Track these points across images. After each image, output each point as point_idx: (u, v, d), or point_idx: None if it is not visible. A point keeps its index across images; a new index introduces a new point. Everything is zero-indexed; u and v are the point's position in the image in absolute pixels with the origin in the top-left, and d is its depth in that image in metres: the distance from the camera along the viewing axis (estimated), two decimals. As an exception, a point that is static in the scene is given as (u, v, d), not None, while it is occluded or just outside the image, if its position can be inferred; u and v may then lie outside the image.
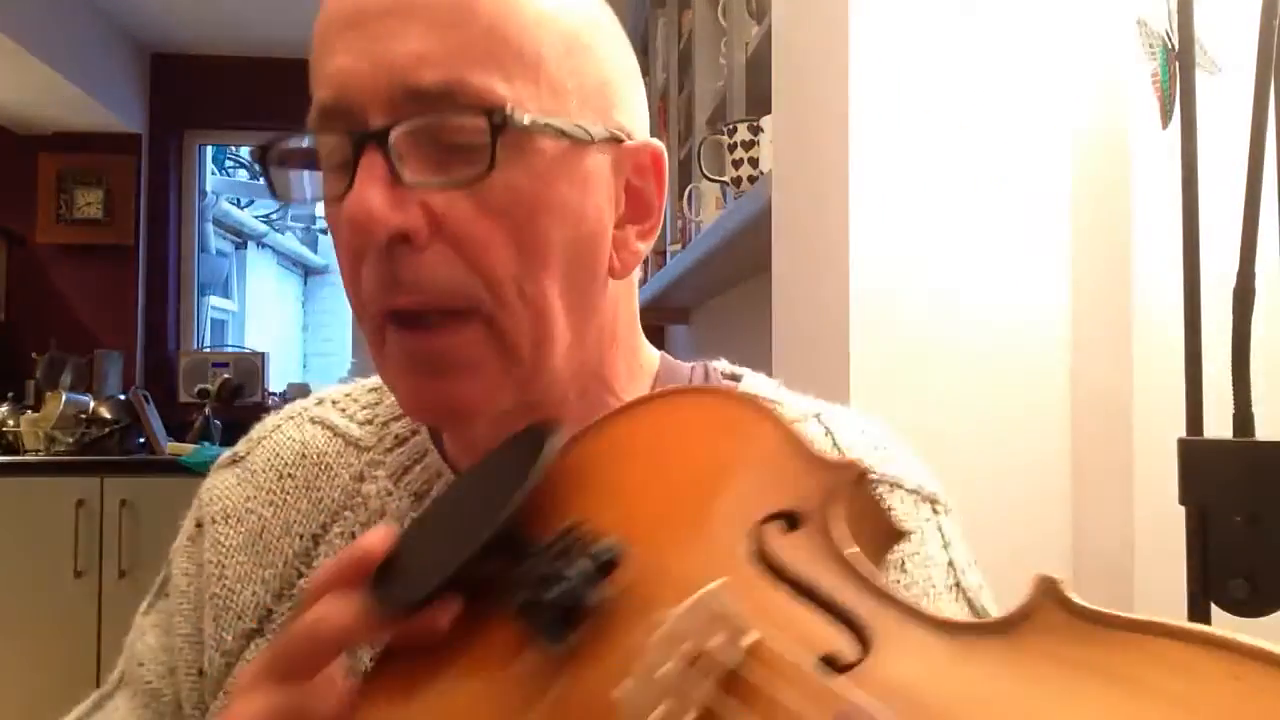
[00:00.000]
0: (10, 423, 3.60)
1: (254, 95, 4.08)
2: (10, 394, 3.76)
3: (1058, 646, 0.29)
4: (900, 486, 0.61)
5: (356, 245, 0.50)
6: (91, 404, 3.62)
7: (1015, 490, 1.20)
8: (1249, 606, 0.86)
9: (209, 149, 4.62)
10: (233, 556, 0.63)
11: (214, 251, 4.80)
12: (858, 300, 1.19)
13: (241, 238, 5.87)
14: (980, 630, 0.32)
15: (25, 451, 3.53)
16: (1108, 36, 1.16)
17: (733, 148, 1.90)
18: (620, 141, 0.55)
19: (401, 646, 0.44)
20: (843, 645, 0.32)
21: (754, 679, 0.32)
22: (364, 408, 0.67)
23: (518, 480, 0.42)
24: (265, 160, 0.53)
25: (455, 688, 0.41)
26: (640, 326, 0.65)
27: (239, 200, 5.78)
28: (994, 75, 1.21)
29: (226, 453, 0.69)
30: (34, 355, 3.84)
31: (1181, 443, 0.91)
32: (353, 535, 0.61)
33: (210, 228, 4.70)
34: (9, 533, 3.28)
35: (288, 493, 0.64)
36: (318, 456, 0.65)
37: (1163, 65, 0.95)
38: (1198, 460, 0.89)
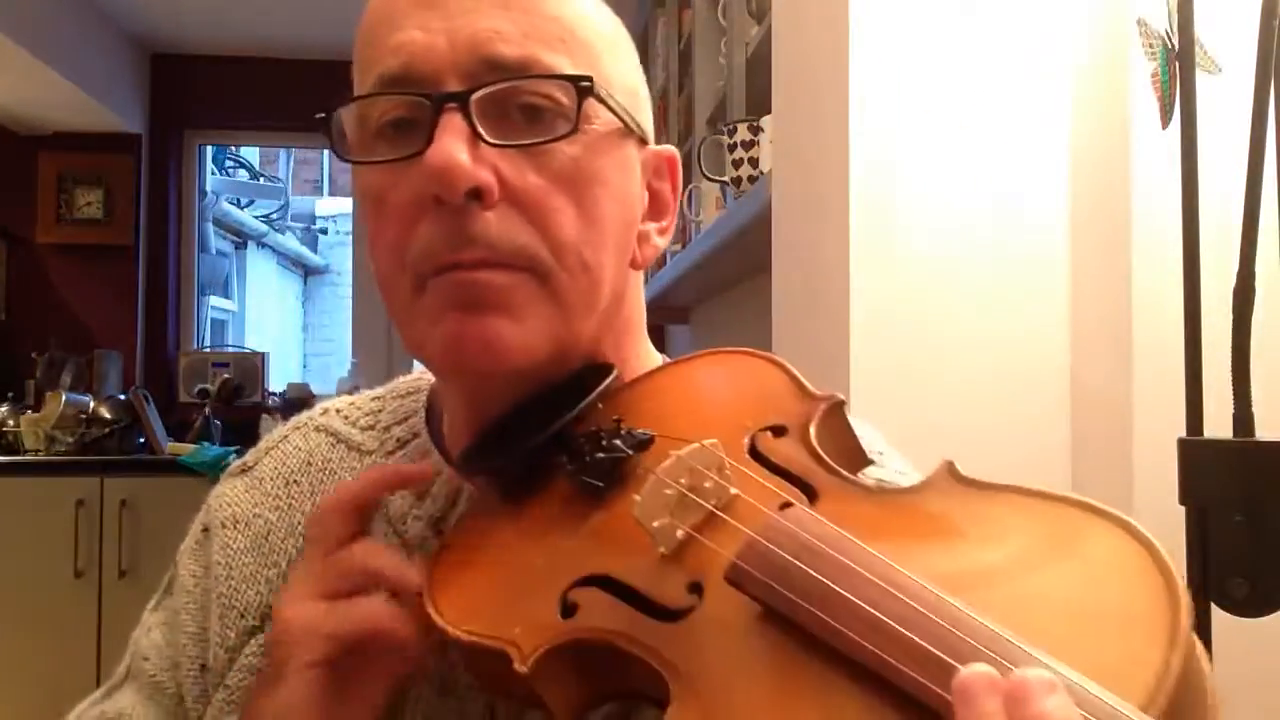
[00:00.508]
0: (10, 423, 3.60)
1: (254, 95, 4.08)
2: (10, 394, 3.76)
3: (940, 496, 0.43)
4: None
5: (428, 197, 0.52)
6: (91, 404, 3.62)
7: (1015, 490, 1.20)
8: (1249, 606, 0.86)
9: (209, 149, 4.61)
10: (239, 558, 0.65)
11: (214, 251, 4.80)
12: (858, 300, 1.19)
13: (241, 238, 5.87)
14: (897, 491, 0.46)
15: (25, 451, 3.53)
16: (1108, 36, 1.16)
17: (733, 148, 1.90)
18: (645, 143, 0.60)
19: (475, 514, 0.56)
20: (798, 498, 0.46)
21: (733, 509, 0.46)
22: (366, 414, 0.69)
23: (578, 397, 0.54)
24: (328, 123, 0.55)
25: (513, 534, 0.53)
26: (643, 326, 0.66)
27: (239, 200, 5.78)
28: (994, 75, 1.21)
29: (236, 462, 0.72)
30: (34, 355, 3.84)
31: (1181, 443, 0.91)
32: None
33: (210, 228, 4.70)
34: (9, 533, 3.28)
35: (293, 497, 0.66)
36: (322, 462, 0.67)
37: (1163, 65, 0.95)
38: (1198, 460, 0.89)
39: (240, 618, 0.64)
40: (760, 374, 0.55)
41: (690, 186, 2.62)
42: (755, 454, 0.49)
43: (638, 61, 0.62)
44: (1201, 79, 0.93)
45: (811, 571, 0.39)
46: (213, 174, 4.84)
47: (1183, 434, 0.91)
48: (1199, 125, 0.92)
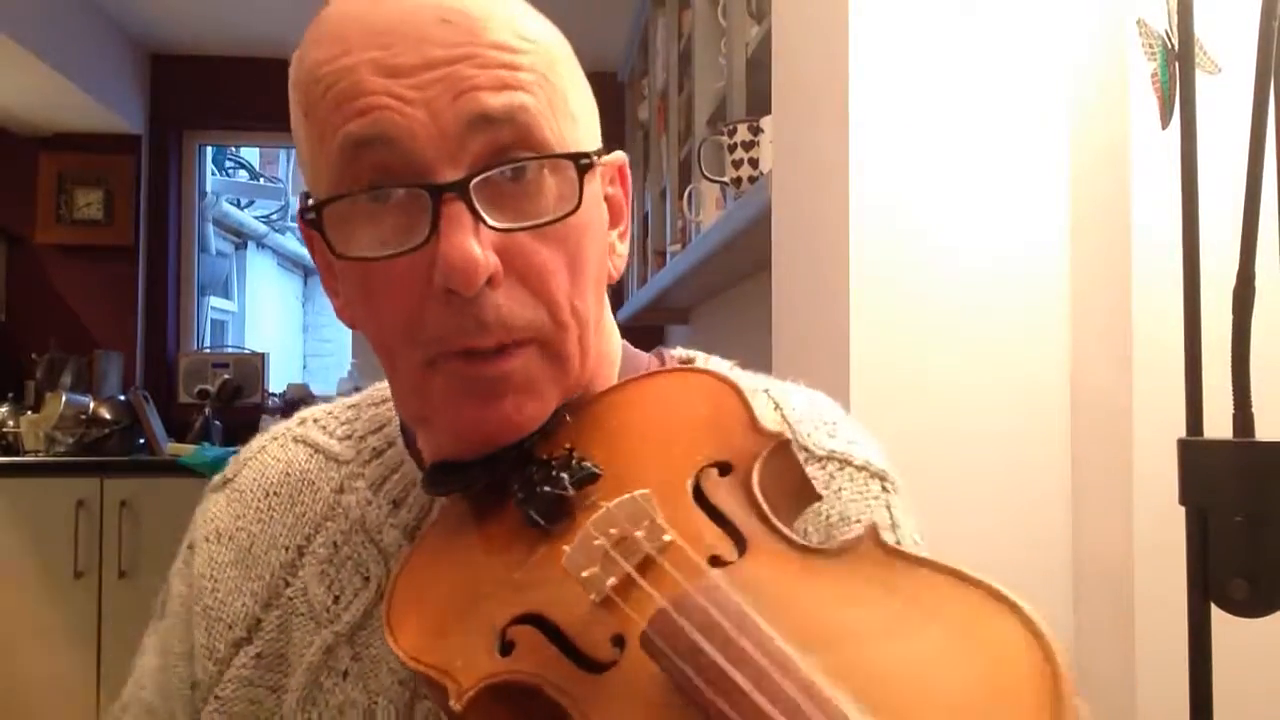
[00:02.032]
0: (10, 423, 3.60)
1: (254, 95, 4.08)
2: (10, 394, 3.75)
3: (864, 566, 0.43)
4: (849, 464, 0.63)
5: (439, 285, 0.51)
6: (91, 404, 3.61)
7: (1015, 490, 1.20)
8: (1249, 606, 0.86)
9: (209, 149, 4.61)
10: (224, 571, 0.66)
11: (214, 251, 4.80)
12: (858, 300, 1.19)
13: (241, 238, 5.87)
14: (822, 553, 0.45)
15: (25, 452, 3.53)
16: (1108, 36, 1.16)
17: (733, 148, 1.90)
18: (600, 153, 0.59)
19: (439, 527, 0.58)
20: (727, 551, 0.46)
21: (659, 562, 0.46)
22: (343, 424, 0.70)
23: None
24: (320, 222, 0.54)
25: (469, 554, 0.55)
26: (610, 315, 0.67)
27: (239, 200, 5.78)
28: (993, 75, 1.21)
29: (217, 477, 0.72)
30: (34, 355, 3.84)
31: (1181, 443, 0.91)
32: (334, 544, 0.65)
33: (210, 228, 4.69)
34: (9, 533, 3.28)
35: (273, 509, 0.67)
36: (300, 474, 0.68)
37: (1163, 65, 0.95)
38: (1198, 460, 0.89)
39: (228, 629, 0.65)
40: (715, 400, 0.55)
41: (690, 186, 2.62)
42: (698, 494, 0.50)
43: (579, 67, 0.61)
44: (1201, 79, 0.93)
45: (714, 654, 0.39)
46: (213, 174, 4.84)
47: (1183, 434, 0.91)
48: (1199, 125, 0.92)
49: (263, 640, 0.64)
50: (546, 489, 0.52)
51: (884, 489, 0.63)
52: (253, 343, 4.95)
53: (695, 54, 2.57)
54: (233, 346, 4.91)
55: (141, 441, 3.66)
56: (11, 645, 3.23)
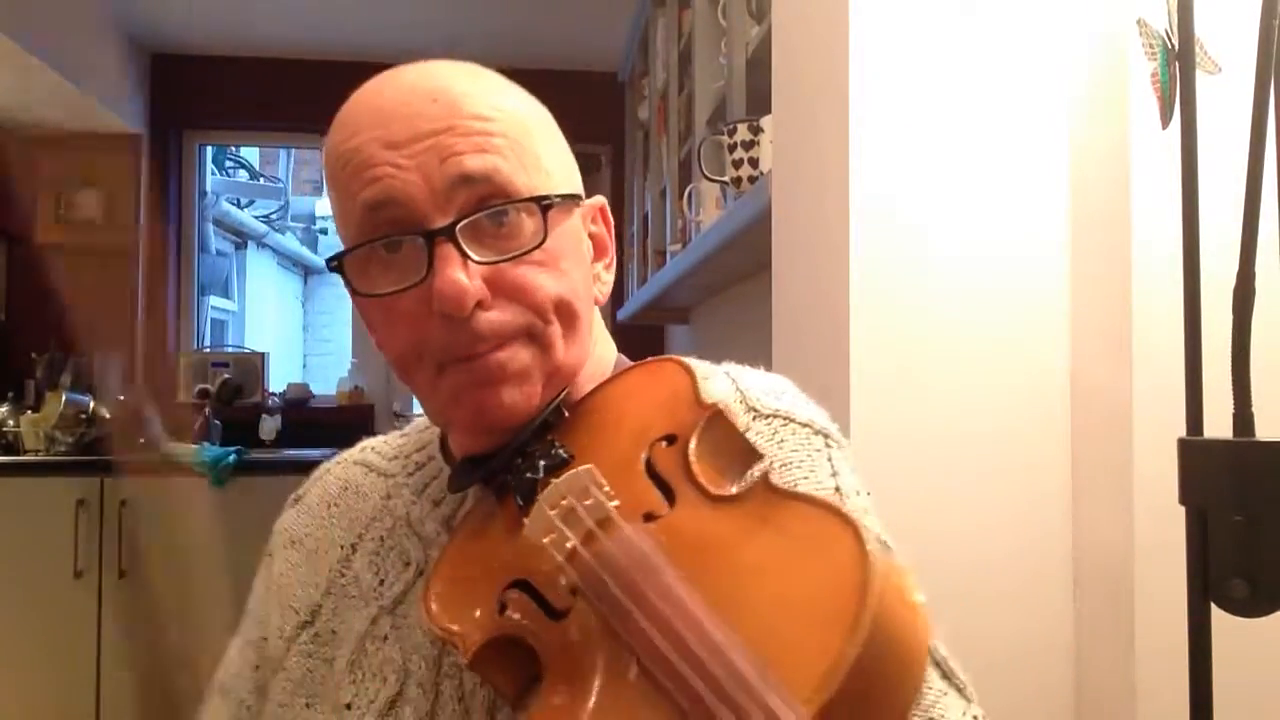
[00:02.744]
0: (10, 423, 3.60)
1: (254, 95, 4.08)
2: (10, 394, 3.75)
3: (753, 505, 0.53)
4: (792, 420, 0.72)
5: (439, 312, 0.63)
6: (91, 404, 3.61)
7: (1015, 490, 1.20)
8: (1249, 606, 0.86)
9: (209, 149, 4.61)
10: (298, 569, 0.81)
11: (214, 251, 4.80)
12: (858, 300, 1.19)
13: (241, 238, 5.86)
14: (727, 499, 0.55)
15: (25, 451, 3.53)
16: (1108, 36, 1.16)
17: (733, 148, 1.90)
18: (581, 198, 0.72)
19: (468, 520, 0.69)
20: (659, 507, 0.56)
21: (605, 522, 0.56)
22: (394, 448, 0.84)
23: (531, 431, 0.67)
24: (343, 268, 0.67)
25: (486, 538, 0.65)
26: (606, 333, 0.79)
27: (239, 200, 5.78)
28: (994, 75, 1.21)
29: (292, 495, 0.87)
30: (34, 355, 3.84)
31: (1181, 443, 0.91)
32: (381, 538, 0.78)
33: (210, 228, 4.69)
34: (9, 533, 3.27)
35: (334, 517, 0.82)
36: (356, 487, 0.83)
37: (1163, 65, 0.95)
38: (1198, 460, 0.90)
39: (295, 614, 0.78)
40: (671, 382, 0.64)
41: (690, 186, 2.62)
42: (649, 463, 0.60)
43: (563, 137, 0.74)
44: (1201, 79, 0.93)
45: (615, 590, 0.52)
46: (213, 174, 4.84)
47: (1183, 434, 0.91)
48: (1199, 125, 0.92)
49: (320, 622, 0.77)
50: (527, 476, 0.63)
51: (827, 444, 0.71)
52: (253, 342, 4.95)
53: (695, 54, 2.57)
54: (233, 346, 4.91)
55: (142, 441, 3.66)
56: (11, 645, 3.23)
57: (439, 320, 0.64)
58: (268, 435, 4.02)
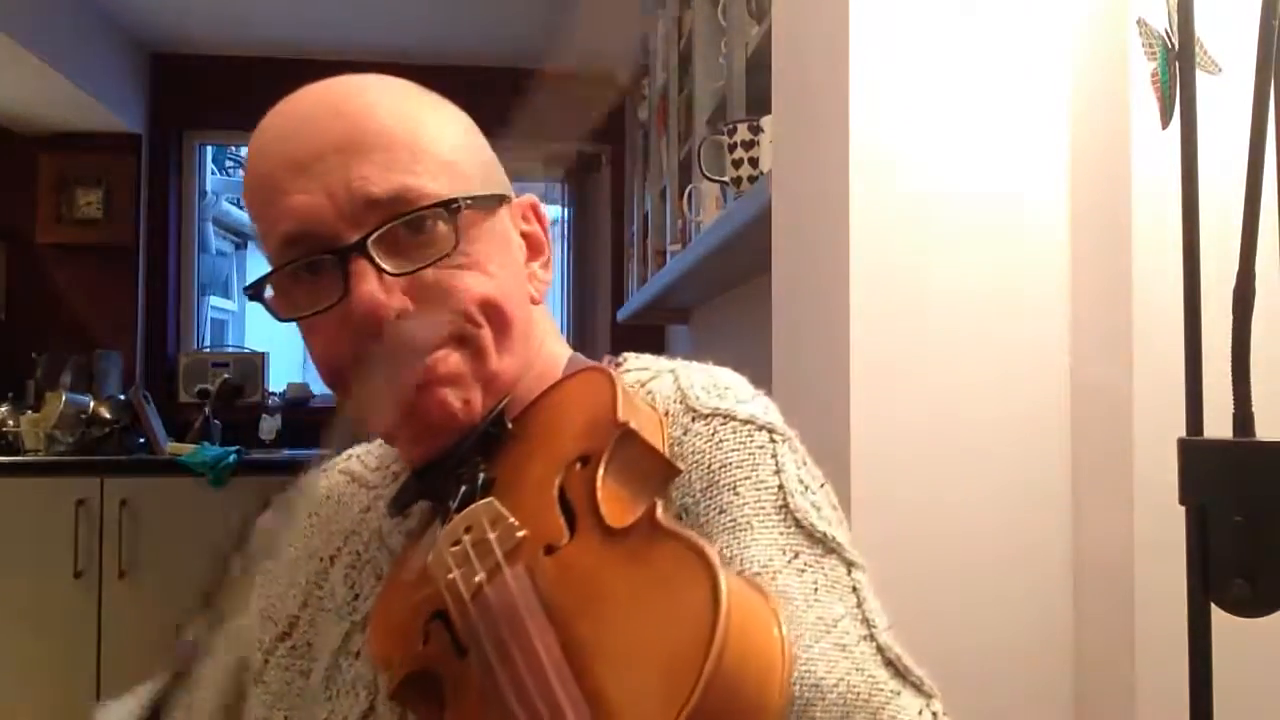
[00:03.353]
0: (10, 423, 3.60)
1: (254, 95, 4.06)
2: (10, 394, 3.75)
3: (635, 542, 0.51)
4: (732, 418, 0.69)
5: (364, 329, 0.63)
6: (91, 404, 3.61)
7: (1015, 490, 1.20)
8: (1249, 606, 0.86)
9: (209, 149, 4.61)
10: (275, 582, 0.81)
11: (214, 251, 4.80)
12: (858, 300, 1.19)
13: (241, 238, 5.86)
14: (616, 533, 0.52)
15: (25, 451, 3.53)
16: (1108, 36, 1.16)
17: (733, 148, 1.90)
18: (507, 199, 0.72)
19: (413, 541, 0.69)
20: (560, 538, 0.55)
21: (506, 556, 0.55)
22: (377, 458, 0.84)
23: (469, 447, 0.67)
24: (261, 297, 0.67)
25: (421, 561, 0.62)
26: (556, 332, 0.78)
27: (239, 200, 5.77)
28: (993, 75, 1.21)
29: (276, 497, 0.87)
30: (34, 355, 3.84)
31: (1181, 443, 0.91)
32: (357, 553, 0.77)
33: (210, 228, 4.69)
34: (9, 533, 3.27)
35: (314, 528, 0.82)
36: (338, 497, 0.82)
37: (1163, 65, 0.95)
38: (1198, 460, 0.89)
39: (274, 626, 0.78)
40: (595, 397, 0.63)
41: (690, 186, 2.62)
42: (562, 487, 0.59)
43: (483, 139, 0.73)
44: (1201, 79, 0.93)
45: (484, 640, 0.52)
46: (213, 174, 4.83)
47: (1183, 434, 0.91)
48: (1199, 125, 0.92)
49: (298, 633, 0.78)
50: (448, 502, 0.62)
51: (770, 439, 0.68)
52: (253, 342, 4.94)
53: (695, 54, 2.57)
54: (233, 346, 4.91)
55: (141, 441, 3.66)
56: (11, 645, 3.23)
57: (363, 337, 0.64)
58: (267, 435, 4.01)
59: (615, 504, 0.55)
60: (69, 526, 3.30)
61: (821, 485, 0.68)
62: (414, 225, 0.64)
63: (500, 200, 0.70)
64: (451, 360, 0.65)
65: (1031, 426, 1.21)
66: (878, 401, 1.18)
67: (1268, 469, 0.86)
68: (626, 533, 0.52)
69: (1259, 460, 0.87)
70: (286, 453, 3.85)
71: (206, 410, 3.88)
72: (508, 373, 0.68)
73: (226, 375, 4.04)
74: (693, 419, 0.68)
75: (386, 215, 0.64)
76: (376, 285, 0.63)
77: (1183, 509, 0.90)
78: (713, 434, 0.68)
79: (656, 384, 0.72)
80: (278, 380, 4.31)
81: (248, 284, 0.68)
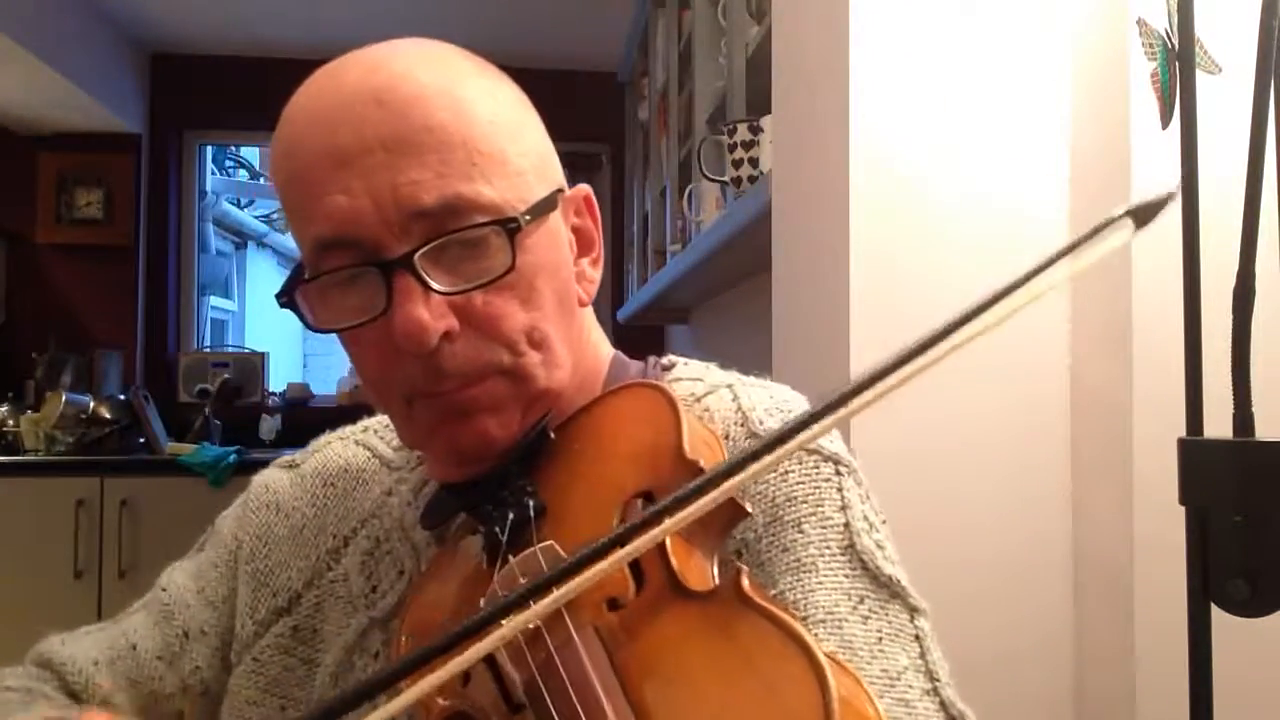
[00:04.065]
0: (10, 423, 3.60)
1: (254, 95, 4.07)
2: (10, 394, 3.75)
3: (718, 610, 0.47)
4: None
5: (407, 350, 0.58)
6: (91, 404, 3.61)
7: (1015, 490, 1.20)
8: (1249, 606, 0.86)
9: (209, 149, 4.61)
10: (278, 544, 0.75)
11: (214, 251, 4.80)
12: (858, 300, 1.19)
13: (241, 238, 5.86)
14: (694, 595, 0.49)
15: (25, 451, 3.53)
16: (1108, 36, 1.16)
17: (733, 148, 1.90)
18: (562, 192, 0.66)
19: (445, 552, 0.65)
20: (625, 592, 0.51)
21: (553, 626, 0.51)
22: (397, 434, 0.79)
23: (517, 461, 0.63)
24: (294, 303, 0.62)
25: (457, 582, 0.61)
26: (599, 330, 0.73)
27: (239, 200, 5.78)
28: (993, 75, 1.21)
29: (285, 457, 0.82)
30: (34, 355, 3.84)
31: (1181, 443, 0.91)
32: (377, 539, 0.72)
33: (210, 228, 4.69)
34: (9, 533, 3.27)
35: (329, 498, 0.76)
36: (357, 471, 0.77)
37: (1163, 65, 0.95)
38: (1198, 460, 0.89)
39: (272, 596, 0.73)
40: (656, 421, 0.58)
41: (690, 186, 2.62)
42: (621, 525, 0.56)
43: (534, 112, 0.66)
44: (1201, 79, 0.93)
45: (557, 699, 0.48)
46: (213, 174, 4.83)
47: (1183, 434, 0.91)
48: (1199, 125, 0.92)
49: (300, 614, 0.72)
50: (495, 529, 0.58)
51: (837, 472, 0.65)
52: (253, 343, 4.94)
53: (695, 54, 2.57)
54: (233, 346, 4.91)
55: (141, 441, 3.66)
56: (11, 645, 3.23)
57: (403, 354, 0.59)
58: (268, 435, 4.01)
59: (685, 557, 0.51)
60: (69, 526, 3.29)
61: (883, 521, 0.65)
62: (467, 240, 0.59)
63: (555, 201, 0.64)
64: (494, 391, 0.61)
65: (1031, 426, 1.21)
66: (878, 402, 1.18)
67: (1268, 469, 0.86)
68: (707, 597, 0.48)
69: (1259, 460, 0.87)
70: (286, 453, 3.84)
71: (206, 410, 3.88)
72: (553, 390, 0.63)
73: (226, 375, 4.04)
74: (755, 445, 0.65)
75: (436, 226, 0.58)
76: (422, 304, 0.57)
77: (1183, 509, 0.90)
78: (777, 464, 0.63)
79: (714, 400, 0.68)
80: (278, 380, 4.32)
81: (280, 289, 0.62)
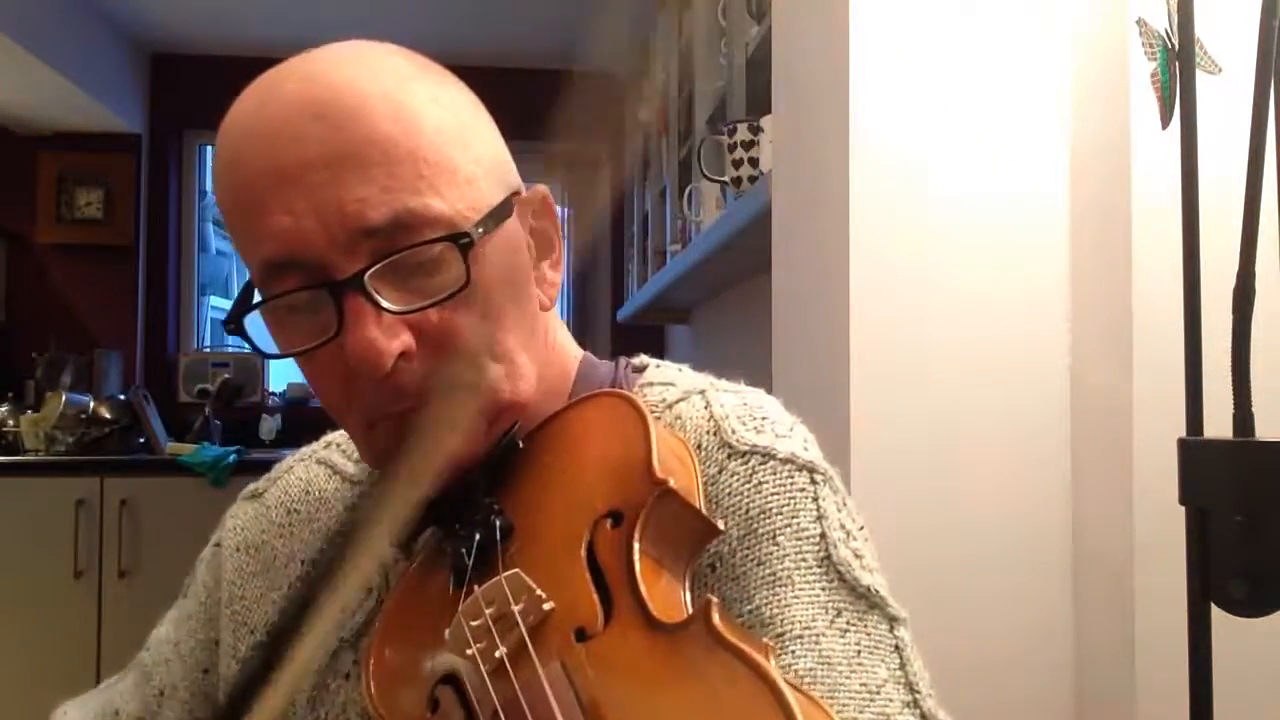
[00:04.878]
0: (10, 423, 3.60)
1: (254, 95, 4.07)
2: (10, 394, 3.75)
3: (688, 647, 0.46)
4: (772, 457, 0.63)
5: (362, 374, 0.57)
6: (91, 404, 3.61)
7: (1015, 490, 1.20)
8: (1249, 606, 0.86)
9: (209, 149, 4.61)
10: (251, 582, 0.74)
11: (214, 251, 4.80)
12: (858, 300, 1.19)
13: (241, 238, 5.86)
14: (663, 627, 0.47)
15: (25, 451, 3.53)
16: (1108, 36, 1.16)
17: (733, 148, 1.90)
18: (518, 194, 0.64)
19: (413, 573, 0.62)
20: (594, 622, 0.50)
21: (532, 634, 0.50)
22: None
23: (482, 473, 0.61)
24: (242, 330, 0.60)
25: (424, 604, 0.59)
26: (565, 332, 0.72)
27: (239, 200, 5.77)
28: (993, 75, 1.21)
29: (250, 486, 0.81)
30: (34, 355, 3.84)
31: (1181, 443, 0.91)
32: None
33: (210, 228, 4.69)
34: (9, 533, 3.28)
35: (294, 525, 0.75)
36: (319, 493, 0.76)
37: (1163, 65, 0.95)
38: (1198, 460, 0.89)
39: (250, 634, 0.72)
40: (625, 435, 0.57)
41: (690, 186, 2.62)
42: (591, 549, 0.53)
43: (486, 114, 0.64)
44: (1201, 79, 0.93)
45: None
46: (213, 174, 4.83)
47: (1183, 434, 0.91)
48: (1199, 125, 0.92)
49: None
50: (461, 550, 0.57)
51: (812, 481, 0.63)
52: (253, 342, 4.94)
53: (695, 54, 2.57)
54: (233, 346, 4.91)
55: (141, 441, 3.66)
56: (11, 645, 3.23)
57: (360, 376, 0.57)
58: (268, 435, 4.02)
59: (655, 581, 0.50)
60: (69, 526, 3.30)
61: (860, 528, 0.64)
62: (418, 256, 0.57)
63: (511, 206, 0.62)
64: (456, 405, 0.58)
65: (1031, 426, 1.21)
66: (878, 401, 1.18)
67: (1268, 469, 0.86)
68: (676, 631, 0.47)
69: (1259, 460, 0.87)
70: (286, 453, 3.84)
71: (206, 410, 3.88)
72: (518, 401, 0.62)
73: (226, 375, 4.04)
74: (729, 456, 0.63)
75: (386, 244, 0.56)
76: (374, 325, 0.56)
77: (1183, 509, 0.90)
78: (751, 475, 0.62)
79: (686, 408, 0.66)
80: (278, 380, 4.32)
81: (227, 316, 0.60)
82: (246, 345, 0.61)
